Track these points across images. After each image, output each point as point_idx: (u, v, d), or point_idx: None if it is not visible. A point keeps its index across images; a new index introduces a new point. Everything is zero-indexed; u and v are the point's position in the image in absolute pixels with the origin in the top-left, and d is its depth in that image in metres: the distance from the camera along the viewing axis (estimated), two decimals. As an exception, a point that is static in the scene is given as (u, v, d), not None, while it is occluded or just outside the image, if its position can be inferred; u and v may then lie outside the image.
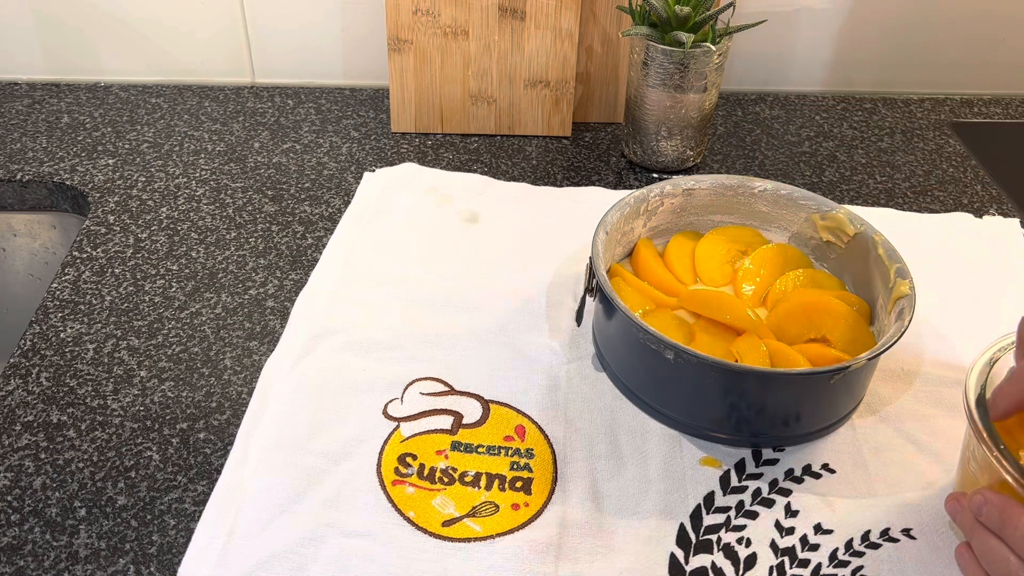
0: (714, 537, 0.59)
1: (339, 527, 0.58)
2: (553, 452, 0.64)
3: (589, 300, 0.70)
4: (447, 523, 0.59)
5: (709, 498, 0.61)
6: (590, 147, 0.96)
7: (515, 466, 0.63)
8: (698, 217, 0.77)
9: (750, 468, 0.63)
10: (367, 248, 0.80)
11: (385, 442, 0.64)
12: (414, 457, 0.63)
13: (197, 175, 0.90)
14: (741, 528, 0.60)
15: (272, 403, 0.66)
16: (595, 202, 0.84)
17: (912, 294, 0.64)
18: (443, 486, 0.61)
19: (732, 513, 0.60)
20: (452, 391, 0.68)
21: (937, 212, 0.88)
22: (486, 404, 0.67)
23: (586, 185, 0.90)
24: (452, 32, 0.91)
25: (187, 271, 0.79)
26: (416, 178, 0.89)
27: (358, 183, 0.89)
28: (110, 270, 0.78)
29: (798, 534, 0.59)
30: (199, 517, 0.59)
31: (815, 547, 0.59)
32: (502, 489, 0.61)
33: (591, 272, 0.67)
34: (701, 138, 0.91)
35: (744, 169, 0.94)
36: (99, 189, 0.88)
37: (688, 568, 0.57)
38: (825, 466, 0.63)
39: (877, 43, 1.04)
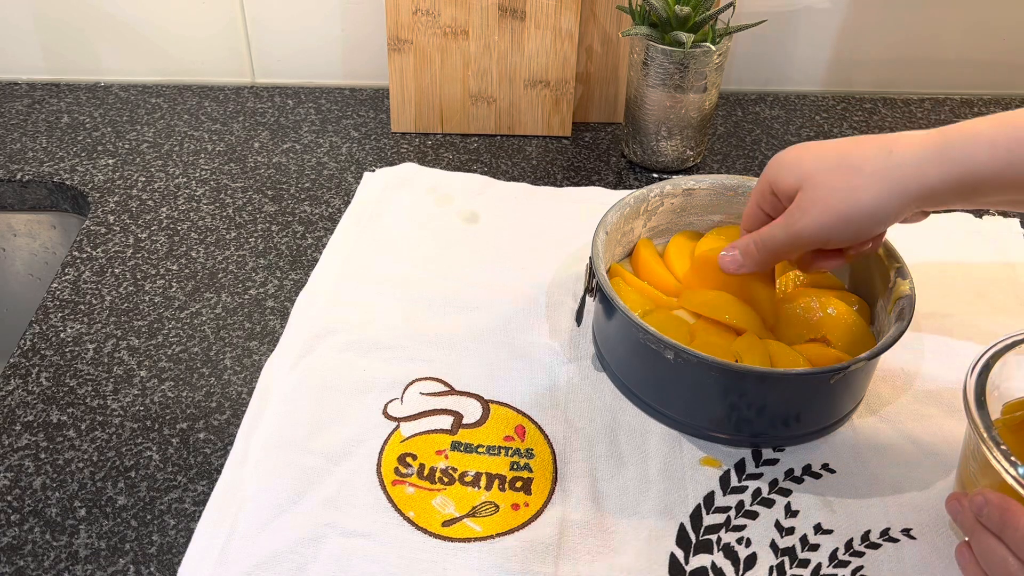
0: (714, 537, 0.59)
1: (339, 527, 0.58)
2: (553, 452, 0.64)
3: (589, 300, 0.70)
4: (447, 523, 0.59)
5: (709, 498, 0.61)
6: (590, 147, 0.96)
7: (515, 466, 0.63)
8: (698, 217, 0.77)
9: (750, 468, 0.63)
10: (367, 248, 0.80)
11: (385, 442, 0.64)
12: (414, 457, 0.63)
13: (197, 175, 0.90)
14: (741, 528, 0.60)
15: (272, 403, 0.66)
16: (595, 202, 0.84)
17: (912, 294, 0.64)
18: (443, 486, 0.61)
19: (732, 513, 0.60)
20: (452, 391, 0.68)
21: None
22: (486, 404, 0.67)
23: (586, 185, 0.90)
24: (452, 32, 0.91)
25: (187, 271, 0.79)
26: (416, 178, 0.89)
27: (358, 183, 0.89)
28: (110, 270, 0.79)
29: (798, 534, 0.59)
30: (199, 517, 0.59)
31: (815, 547, 0.59)
32: (502, 489, 0.61)
33: (591, 272, 0.67)
34: (701, 138, 0.91)
35: (744, 169, 0.94)
36: (99, 189, 0.88)
37: (688, 568, 0.57)
38: (825, 466, 0.63)
39: (877, 43, 1.04)
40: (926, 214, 0.63)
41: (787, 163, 0.61)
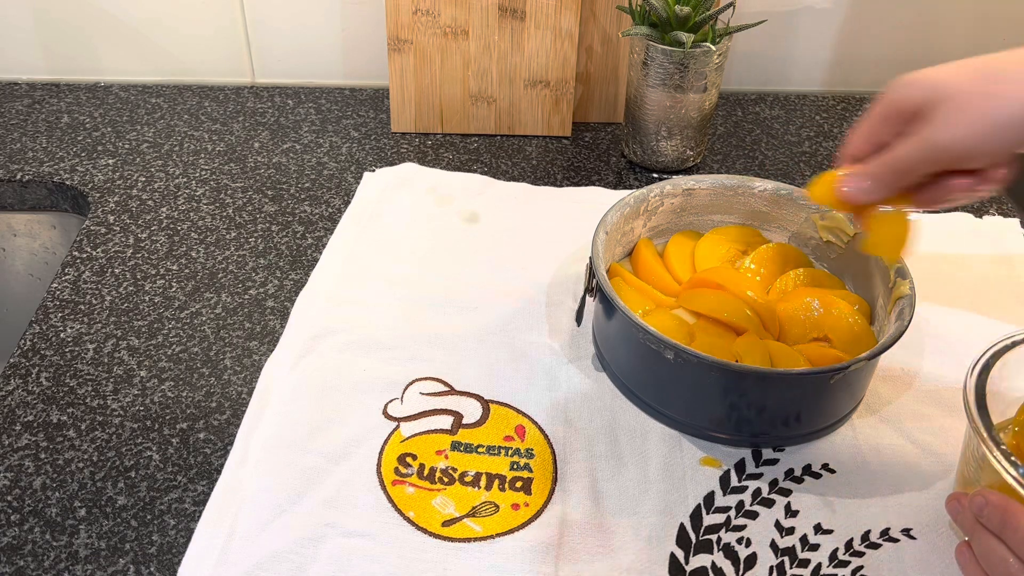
0: (714, 537, 0.59)
1: (339, 527, 0.58)
2: (553, 452, 0.64)
3: (589, 300, 0.70)
4: (447, 523, 0.59)
5: (709, 498, 0.61)
6: (590, 147, 0.96)
7: (515, 466, 0.63)
8: (698, 217, 0.77)
9: (750, 468, 0.63)
10: (367, 248, 0.80)
11: (385, 442, 0.64)
12: (414, 457, 0.63)
13: (197, 175, 0.90)
14: (741, 528, 0.60)
15: (272, 403, 0.66)
16: (595, 202, 0.84)
17: (912, 294, 0.64)
18: (443, 486, 0.61)
19: (732, 513, 0.60)
20: (452, 391, 0.68)
21: (937, 212, 0.88)
22: (486, 404, 0.67)
23: (586, 185, 0.90)
24: (452, 32, 0.91)
25: (187, 271, 0.79)
26: (416, 178, 0.89)
27: (358, 183, 0.89)
28: (110, 270, 0.79)
29: (798, 534, 0.59)
30: (199, 517, 0.59)
31: (815, 547, 0.59)
32: (502, 489, 0.61)
33: (591, 272, 0.67)
34: (701, 138, 0.91)
35: (744, 169, 0.94)
36: (99, 189, 0.88)
37: (688, 568, 0.57)
38: (825, 466, 0.63)
39: (877, 43, 1.04)
40: None
41: (915, 80, 0.58)
